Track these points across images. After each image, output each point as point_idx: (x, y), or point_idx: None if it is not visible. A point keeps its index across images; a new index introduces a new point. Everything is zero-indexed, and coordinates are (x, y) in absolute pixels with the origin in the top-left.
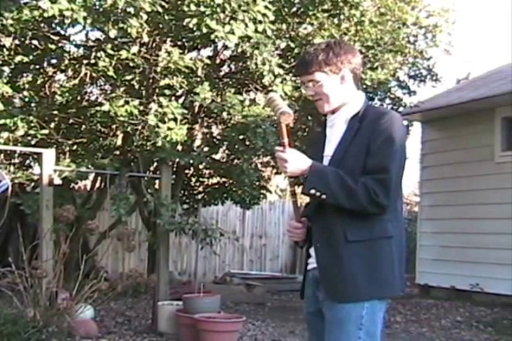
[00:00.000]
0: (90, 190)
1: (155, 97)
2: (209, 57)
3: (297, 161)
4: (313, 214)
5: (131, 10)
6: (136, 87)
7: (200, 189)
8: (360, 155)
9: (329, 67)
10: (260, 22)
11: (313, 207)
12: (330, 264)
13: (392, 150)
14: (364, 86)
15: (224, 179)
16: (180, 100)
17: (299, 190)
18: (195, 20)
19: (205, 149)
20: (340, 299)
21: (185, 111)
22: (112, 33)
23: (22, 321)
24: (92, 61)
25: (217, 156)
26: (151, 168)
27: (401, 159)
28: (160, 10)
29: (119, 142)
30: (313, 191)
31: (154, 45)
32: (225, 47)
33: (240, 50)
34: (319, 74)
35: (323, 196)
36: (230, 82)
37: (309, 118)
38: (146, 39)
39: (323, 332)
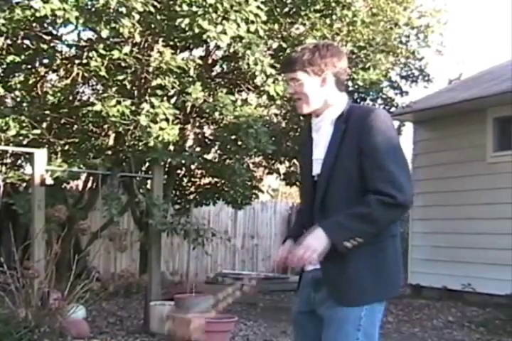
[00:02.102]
0: (82, 190)
1: (147, 97)
2: (201, 58)
3: (313, 240)
4: (317, 216)
5: (124, 10)
6: (128, 87)
7: (192, 189)
8: (353, 154)
9: (312, 68)
10: (252, 22)
11: (317, 210)
12: (336, 267)
13: (385, 146)
14: (356, 86)
15: (216, 179)
16: (172, 100)
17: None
18: (187, 21)
19: (197, 149)
20: (349, 303)
21: (177, 112)
22: (104, 33)
23: (14, 321)
24: (84, 61)
25: (209, 156)
26: (143, 168)
27: (396, 152)
28: (152, 10)
29: (110, 142)
30: (348, 244)
31: (146, 45)
32: (217, 47)
33: (232, 50)
34: (301, 74)
35: (359, 239)
36: (222, 82)
37: (301, 118)
38: (138, 39)
39: (312, 331)
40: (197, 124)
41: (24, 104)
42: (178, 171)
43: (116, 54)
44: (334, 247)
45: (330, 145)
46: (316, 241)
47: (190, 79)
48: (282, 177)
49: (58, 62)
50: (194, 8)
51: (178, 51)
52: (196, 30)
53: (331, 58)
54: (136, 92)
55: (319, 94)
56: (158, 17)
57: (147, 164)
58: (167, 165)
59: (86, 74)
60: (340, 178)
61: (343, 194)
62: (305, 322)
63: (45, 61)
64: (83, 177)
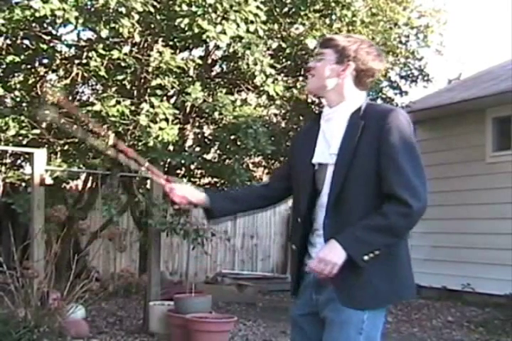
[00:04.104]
0: (82, 190)
1: (146, 97)
2: (201, 57)
3: (333, 255)
4: (331, 212)
5: (123, 10)
6: (128, 87)
7: None
8: (371, 154)
9: (341, 53)
10: (252, 22)
11: (331, 205)
12: (348, 275)
13: (403, 148)
14: None
15: (215, 179)
16: (172, 100)
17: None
18: (186, 20)
19: (197, 149)
20: (360, 306)
21: (177, 111)
22: (104, 33)
23: (13, 321)
24: (84, 61)
25: (208, 156)
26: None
27: (413, 155)
28: (152, 10)
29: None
30: (366, 257)
31: (146, 45)
32: (217, 47)
33: (231, 50)
34: (329, 52)
35: (377, 252)
36: (222, 82)
37: (301, 118)
38: (137, 39)
39: (311, 334)
40: (196, 124)
41: (24, 104)
42: (178, 171)
43: (115, 54)
44: (351, 260)
45: (346, 140)
46: (336, 256)
47: (190, 79)
48: None
49: (58, 62)
50: (194, 8)
51: (178, 51)
52: (196, 30)
53: (365, 55)
54: (135, 92)
55: (332, 79)
56: (158, 17)
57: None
58: (166, 165)
59: (85, 74)
60: (359, 176)
61: (363, 189)
62: (304, 325)
63: (45, 61)
64: (83, 177)
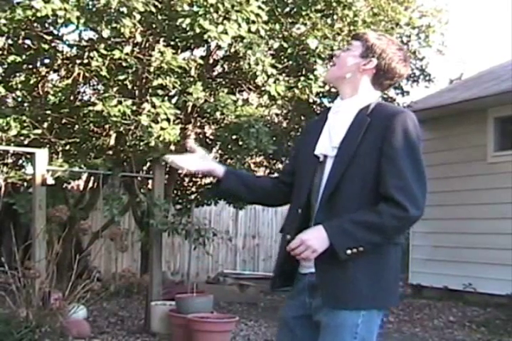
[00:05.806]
0: (83, 190)
1: (148, 97)
2: (202, 57)
3: (315, 240)
4: (322, 208)
5: (125, 10)
6: (129, 86)
7: (193, 189)
8: (373, 154)
9: (368, 48)
10: (253, 22)
11: (324, 201)
12: (332, 271)
13: (406, 151)
14: None
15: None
16: (173, 100)
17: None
18: (188, 20)
19: None
20: (344, 306)
21: (178, 111)
22: (105, 33)
23: (15, 321)
24: (85, 61)
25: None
26: (144, 168)
27: (416, 159)
28: (153, 10)
29: (111, 142)
30: (349, 251)
31: (147, 45)
32: (218, 47)
33: (233, 50)
34: (357, 45)
35: (361, 248)
36: (223, 82)
37: (302, 118)
38: (139, 39)
39: (303, 337)
40: (198, 124)
41: (25, 104)
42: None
43: (117, 54)
44: (333, 252)
45: (349, 136)
46: (318, 242)
47: (192, 79)
48: None
49: (59, 62)
50: (195, 8)
51: (179, 51)
52: (197, 30)
53: (391, 56)
54: (137, 92)
55: (351, 71)
56: (159, 17)
57: (148, 164)
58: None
59: (87, 74)
60: (357, 174)
61: (359, 189)
62: (297, 328)
63: (46, 61)
64: (84, 177)
